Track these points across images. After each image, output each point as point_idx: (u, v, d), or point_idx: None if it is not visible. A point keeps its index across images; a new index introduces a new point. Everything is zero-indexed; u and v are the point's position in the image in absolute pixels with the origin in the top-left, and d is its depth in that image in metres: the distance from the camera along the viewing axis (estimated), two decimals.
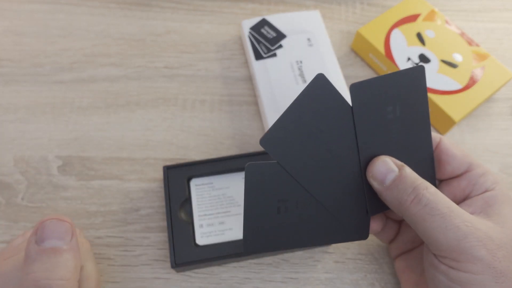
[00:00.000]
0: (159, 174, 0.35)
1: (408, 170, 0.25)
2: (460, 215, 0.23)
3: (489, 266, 0.22)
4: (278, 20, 0.40)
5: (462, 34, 0.41)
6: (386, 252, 0.33)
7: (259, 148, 0.36)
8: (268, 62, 0.38)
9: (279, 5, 0.46)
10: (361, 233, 0.28)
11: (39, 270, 0.21)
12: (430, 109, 0.38)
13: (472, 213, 0.26)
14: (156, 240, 0.33)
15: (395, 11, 0.42)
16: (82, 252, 0.25)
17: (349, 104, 0.25)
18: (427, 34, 0.41)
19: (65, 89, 0.39)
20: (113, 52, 0.41)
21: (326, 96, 0.24)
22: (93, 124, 0.37)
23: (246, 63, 0.42)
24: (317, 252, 0.33)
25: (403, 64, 0.39)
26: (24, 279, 0.21)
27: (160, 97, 0.39)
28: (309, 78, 0.37)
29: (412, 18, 0.42)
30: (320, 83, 0.24)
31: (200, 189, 0.33)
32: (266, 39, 0.39)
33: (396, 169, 0.25)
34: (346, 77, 0.41)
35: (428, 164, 0.28)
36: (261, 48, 0.39)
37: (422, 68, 0.26)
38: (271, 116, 0.35)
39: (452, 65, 0.39)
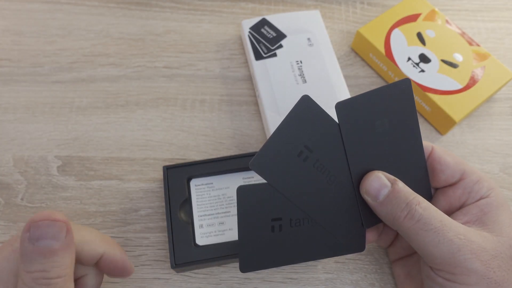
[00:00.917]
0: (159, 174, 0.35)
1: (400, 185, 0.25)
2: (453, 228, 0.23)
3: (483, 277, 0.23)
4: (278, 20, 0.40)
5: (463, 34, 0.41)
6: (386, 253, 0.33)
7: (259, 148, 0.36)
8: (268, 62, 0.38)
9: (279, 5, 0.45)
10: (358, 246, 0.28)
11: (37, 270, 0.22)
12: (430, 109, 0.38)
13: (467, 222, 0.26)
14: (155, 240, 0.33)
15: (395, 11, 0.42)
16: (97, 242, 0.25)
17: (336, 122, 0.25)
18: (428, 34, 0.41)
19: (65, 89, 0.39)
20: (112, 52, 0.41)
21: (313, 116, 0.25)
22: (93, 124, 0.37)
23: (246, 63, 0.42)
24: None
25: (403, 64, 0.39)
26: (24, 276, 0.22)
27: (160, 97, 0.39)
28: (309, 78, 0.37)
29: (413, 18, 0.42)
30: (306, 104, 0.24)
31: (200, 189, 0.33)
32: (266, 39, 0.39)
33: (389, 184, 0.25)
34: (346, 77, 0.41)
35: (422, 174, 0.28)
36: (261, 48, 0.39)
37: (408, 80, 0.26)
38: (271, 116, 0.35)
39: (453, 65, 0.39)
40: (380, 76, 0.42)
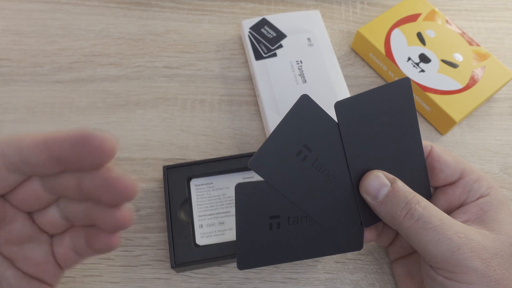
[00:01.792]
0: (159, 174, 0.35)
1: (400, 184, 0.25)
2: (452, 227, 0.23)
3: (483, 276, 0.23)
4: (278, 19, 0.40)
5: (463, 34, 0.41)
6: (386, 253, 0.33)
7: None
8: (268, 62, 0.38)
9: (279, 5, 0.45)
10: (356, 244, 0.28)
11: None
12: (430, 109, 0.38)
13: (467, 220, 0.26)
14: (156, 240, 0.33)
15: (395, 11, 0.42)
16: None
17: (335, 122, 0.25)
18: (428, 34, 0.41)
19: (64, 89, 0.39)
20: (112, 52, 0.41)
21: (312, 115, 0.25)
22: (93, 124, 0.37)
23: (246, 63, 0.42)
24: None
25: (403, 64, 0.39)
26: None
27: (160, 97, 0.39)
28: (309, 78, 0.37)
29: (413, 17, 0.42)
30: (305, 103, 0.24)
31: (200, 189, 0.33)
32: (266, 39, 0.39)
33: (388, 183, 0.25)
34: (346, 77, 0.41)
35: (421, 173, 0.28)
36: (261, 48, 0.39)
37: (408, 79, 0.26)
38: (271, 116, 0.35)
39: (453, 65, 0.39)
40: (380, 76, 0.42)
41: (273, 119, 0.35)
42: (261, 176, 0.24)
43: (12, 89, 0.39)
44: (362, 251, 0.33)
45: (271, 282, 0.31)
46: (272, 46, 0.39)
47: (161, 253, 0.32)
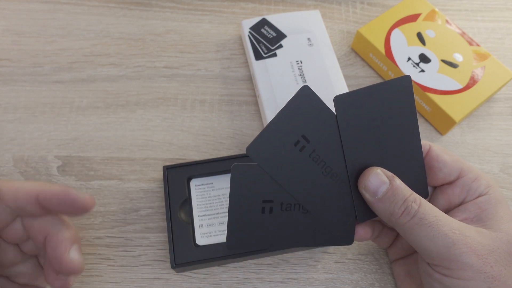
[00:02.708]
0: (159, 174, 0.35)
1: (398, 182, 0.25)
2: (447, 223, 0.24)
3: (480, 272, 0.23)
4: (278, 20, 0.40)
5: (463, 34, 0.41)
6: (386, 253, 0.33)
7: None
8: (268, 62, 0.38)
9: (279, 5, 0.45)
10: (346, 239, 0.28)
11: None
12: (430, 109, 0.38)
13: (466, 219, 0.26)
14: (156, 240, 0.33)
15: (395, 11, 0.42)
16: (26, 183, 0.26)
17: (335, 115, 0.25)
18: (428, 34, 0.41)
19: (65, 89, 0.39)
20: (112, 52, 0.41)
21: (312, 107, 0.25)
22: (93, 124, 0.37)
23: (246, 63, 0.42)
24: (317, 252, 0.33)
25: (403, 64, 0.39)
26: None
27: (160, 97, 0.39)
28: (309, 78, 0.37)
29: (413, 17, 0.42)
30: (306, 94, 0.24)
31: (200, 189, 0.33)
32: (266, 39, 0.39)
33: (387, 181, 0.25)
34: (346, 77, 0.41)
35: (419, 171, 0.28)
36: (261, 48, 0.39)
37: (409, 77, 0.26)
38: (271, 116, 0.35)
39: (453, 65, 0.39)
40: (380, 76, 0.42)
41: None
42: (258, 163, 0.24)
43: (12, 89, 0.39)
44: (362, 251, 0.33)
45: (271, 282, 0.31)
46: (272, 46, 0.39)
47: (161, 253, 0.32)
